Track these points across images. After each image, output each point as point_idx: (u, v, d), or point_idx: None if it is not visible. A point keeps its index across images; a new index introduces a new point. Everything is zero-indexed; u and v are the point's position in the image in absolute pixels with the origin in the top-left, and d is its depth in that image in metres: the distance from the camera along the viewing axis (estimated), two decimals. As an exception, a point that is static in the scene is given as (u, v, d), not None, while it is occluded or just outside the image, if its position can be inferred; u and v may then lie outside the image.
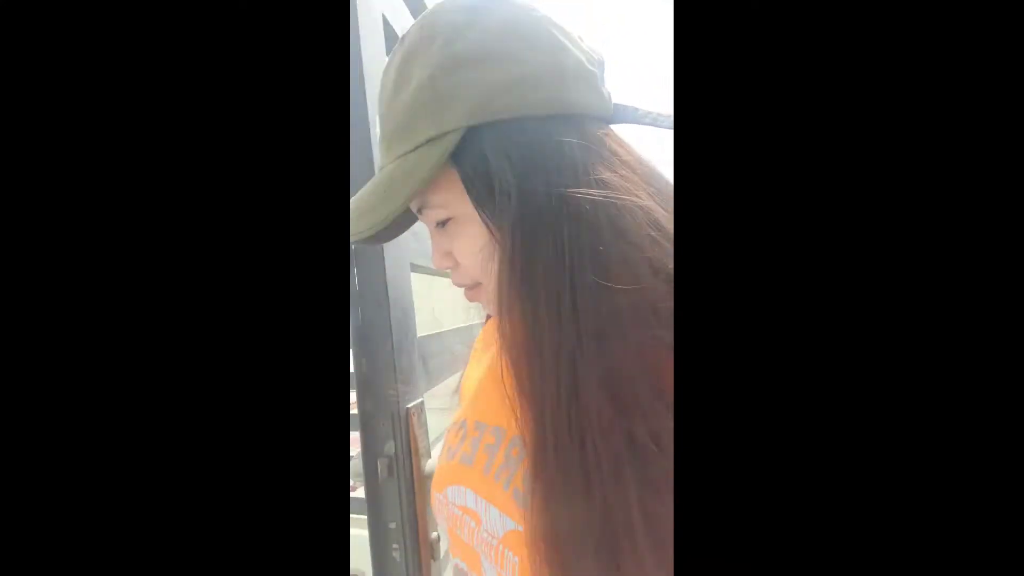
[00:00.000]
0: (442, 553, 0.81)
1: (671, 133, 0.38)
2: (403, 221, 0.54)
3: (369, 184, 0.46)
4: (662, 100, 0.45)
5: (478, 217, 0.43)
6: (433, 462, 0.80)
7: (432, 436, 0.86)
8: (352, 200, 0.46)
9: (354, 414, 0.80)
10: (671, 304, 0.37)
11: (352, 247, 0.77)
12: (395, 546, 0.77)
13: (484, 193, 0.42)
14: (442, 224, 0.46)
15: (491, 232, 0.43)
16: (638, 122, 0.47)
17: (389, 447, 0.78)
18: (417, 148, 0.42)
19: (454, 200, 0.44)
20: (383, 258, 0.78)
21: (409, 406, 0.80)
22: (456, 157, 0.42)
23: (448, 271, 0.50)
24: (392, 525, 0.77)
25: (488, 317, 0.64)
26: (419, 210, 0.47)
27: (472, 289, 0.49)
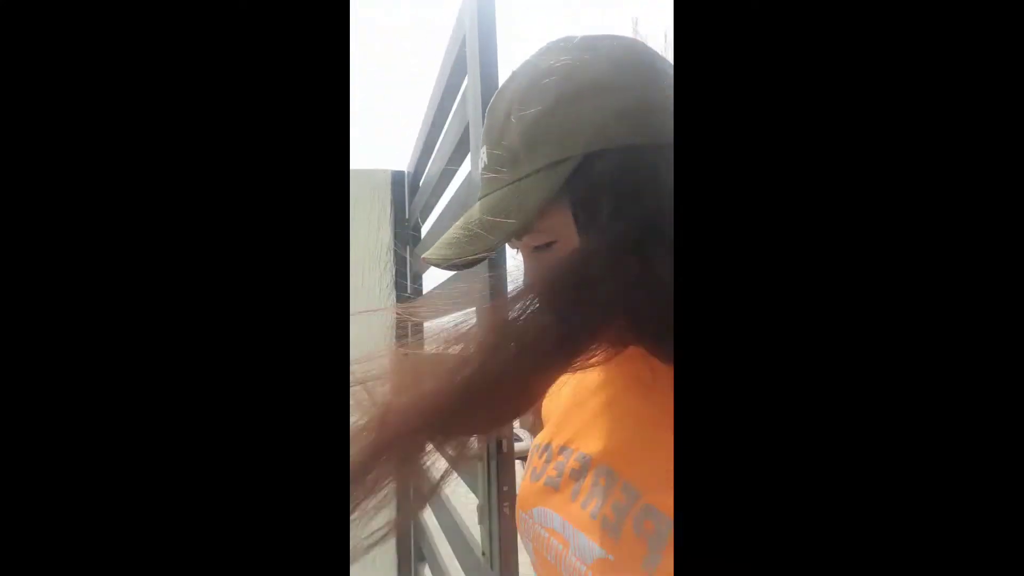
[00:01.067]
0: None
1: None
2: None
3: (482, 206, 0.47)
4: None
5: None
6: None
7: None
8: (458, 225, 0.49)
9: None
10: None
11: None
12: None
13: (588, 219, 0.44)
14: (540, 248, 0.47)
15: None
16: None
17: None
18: (537, 172, 0.44)
19: (561, 224, 0.45)
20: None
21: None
22: (570, 182, 0.44)
23: None
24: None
25: None
26: (519, 235, 0.48)
27: None
